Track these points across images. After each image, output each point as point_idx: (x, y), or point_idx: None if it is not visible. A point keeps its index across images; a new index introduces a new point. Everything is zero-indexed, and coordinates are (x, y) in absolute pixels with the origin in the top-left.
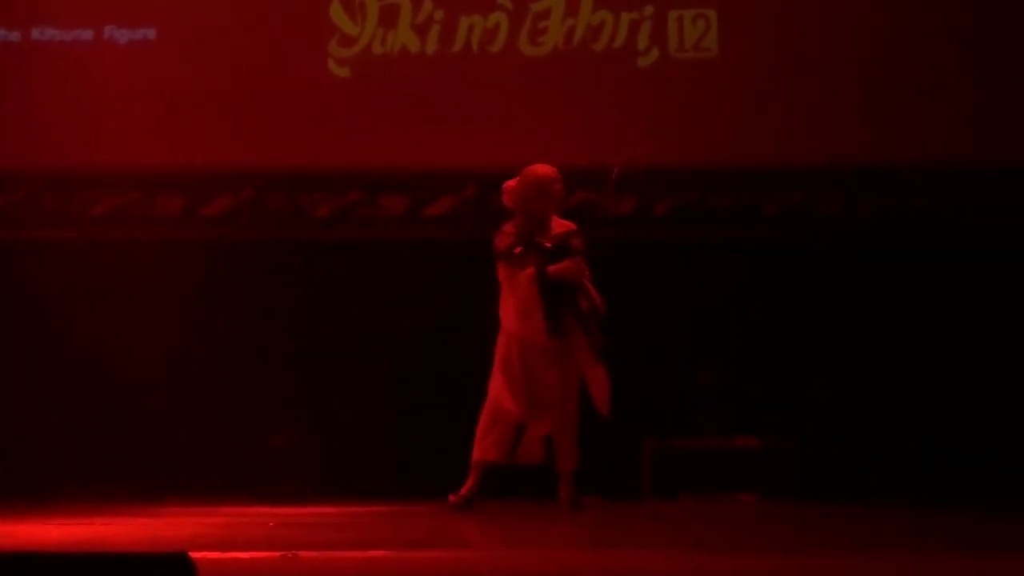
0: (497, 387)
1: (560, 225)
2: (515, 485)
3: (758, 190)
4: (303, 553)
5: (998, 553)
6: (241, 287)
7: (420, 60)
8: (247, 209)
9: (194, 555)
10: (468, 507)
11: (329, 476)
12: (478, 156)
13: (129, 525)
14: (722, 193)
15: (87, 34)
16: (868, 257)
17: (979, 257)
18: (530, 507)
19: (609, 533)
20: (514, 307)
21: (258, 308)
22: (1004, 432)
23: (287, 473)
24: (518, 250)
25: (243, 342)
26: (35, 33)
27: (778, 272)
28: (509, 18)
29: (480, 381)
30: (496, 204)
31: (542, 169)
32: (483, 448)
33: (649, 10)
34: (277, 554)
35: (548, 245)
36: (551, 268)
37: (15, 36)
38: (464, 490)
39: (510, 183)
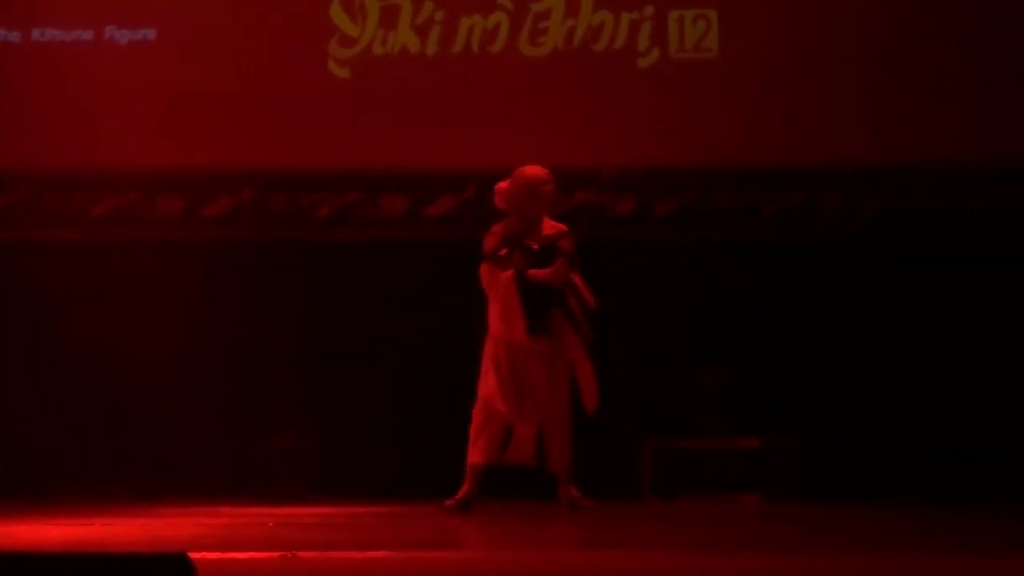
0: (486, 388)
1: (552, 227)
2: (515, 486)
3: (759, 190)
4: (303, 553)
5: (1002, 553)
6: (241, 288)
7: (420, 60)
8: (247, 209)
9: (194, 555)
10: (465, 512)
11: (330, 476)
12: (478, 156)
13: (129, 525)
14: (723, 193)
15: (87, 34)
16: (869, 257)
17: (981, 257)
18: (530, 507)
19: (609, 533)
20: (497, 309)
21: (258, 308)
22: (1008, 432)
23: (288, 473)
24: (503, 252)
25: (243, 343)
26: (35, 33)
27: (779, 272)
28: (509, 18)
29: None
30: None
31: (532, 170)
32: (476, 451)
33: (649, 10)
34: (277, 554)
35: (535, 247)
36: (532, 273)
37: (15, 36)
38: (460, 494)
39: (502, 184)
